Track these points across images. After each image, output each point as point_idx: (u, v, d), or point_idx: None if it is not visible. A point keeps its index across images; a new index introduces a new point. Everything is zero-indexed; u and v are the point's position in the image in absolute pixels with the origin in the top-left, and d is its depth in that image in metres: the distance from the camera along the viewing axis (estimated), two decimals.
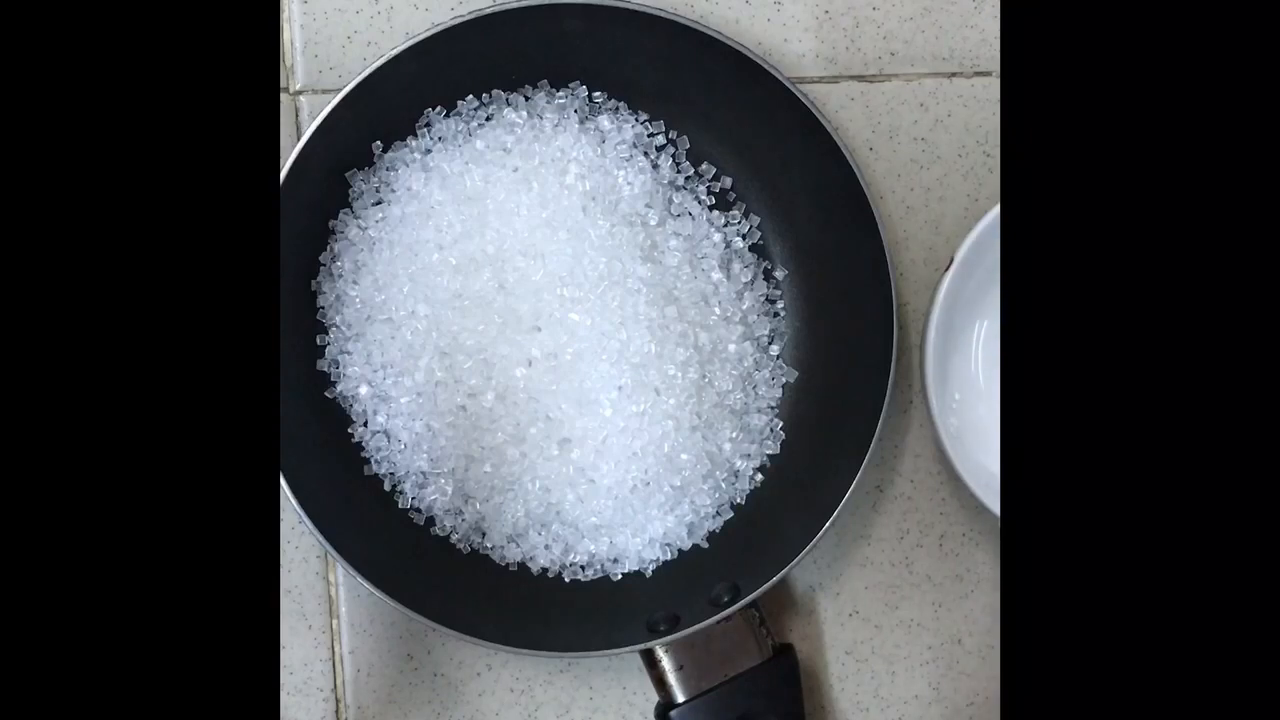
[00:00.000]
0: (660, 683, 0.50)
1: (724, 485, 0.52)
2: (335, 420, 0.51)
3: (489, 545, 0.51)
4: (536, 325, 0.49)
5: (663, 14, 0.49)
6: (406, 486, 0.51)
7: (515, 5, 0.49)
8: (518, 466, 0.50)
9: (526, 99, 0.51)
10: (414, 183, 0.50)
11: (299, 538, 0.53)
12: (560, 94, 0.51)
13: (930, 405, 0.50)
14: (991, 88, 0.53)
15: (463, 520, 0.51)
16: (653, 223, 0.51)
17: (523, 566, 0.51)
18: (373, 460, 0.51)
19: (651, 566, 0.51)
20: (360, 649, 0.53)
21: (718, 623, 0.48)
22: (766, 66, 0.49)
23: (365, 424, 0.51)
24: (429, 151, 0.51)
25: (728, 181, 0.53)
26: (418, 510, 0.51)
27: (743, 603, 0.48)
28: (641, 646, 0.49)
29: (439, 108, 0.51)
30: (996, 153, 0.53)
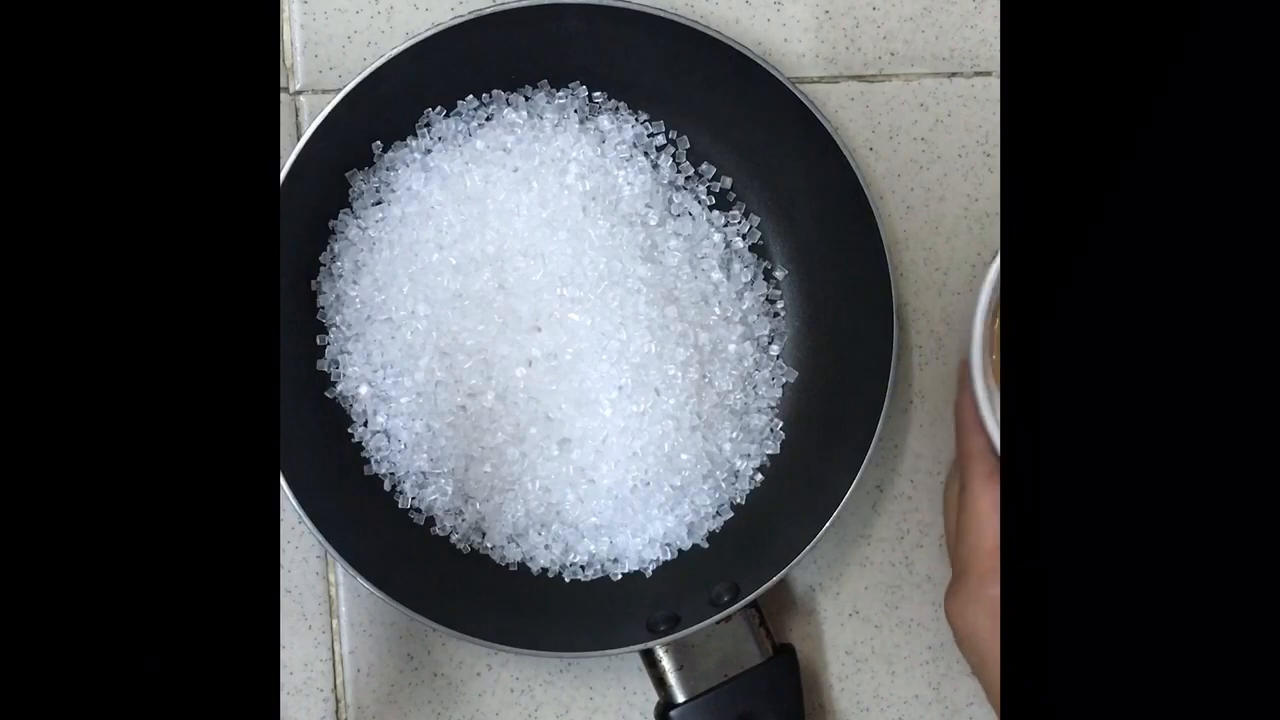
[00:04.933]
0: (660, 683, 0.50)
1: (724, 485, 0.52)
2: (335, 420, 0.51)
3: (489, 545, 0.51)
4: (536, 325, 0.49)
5: (663, 14, 0.49)
6: (406, 486, 0.51)
7: (515, 5, 0.49)
8: (518, 466, 0.50)
9: (526, 99, 0.51)
10: (414, 183, 0.50)
11: (299, 538, 0.53)
12: (560, 94, 0.51)
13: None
14: (991, 88, 0.53)
15: (463, 520, 0.51)
16: (653, 223, 0.51)
17: (523, 566, 0.51)
18: (373, 460, 0.51)
19: (651, 566, 0.51)
20: (360, 649, 0.53)
21: (718, 623, 0.48)
22: (766, 66, 0.49)
23: (365, 424, 0.51)
24: (429, 151, 0.51)
25: (728, 181, 0.53)
26: (418, 510, 0.51)
27: (743, 603, 0.48)
28: (641, 646, 0.49)
29: (439, 108, 0.51)
30: (996, 153, 0.53)
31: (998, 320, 0.46)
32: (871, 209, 0.49)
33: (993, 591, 0.43)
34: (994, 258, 0.46)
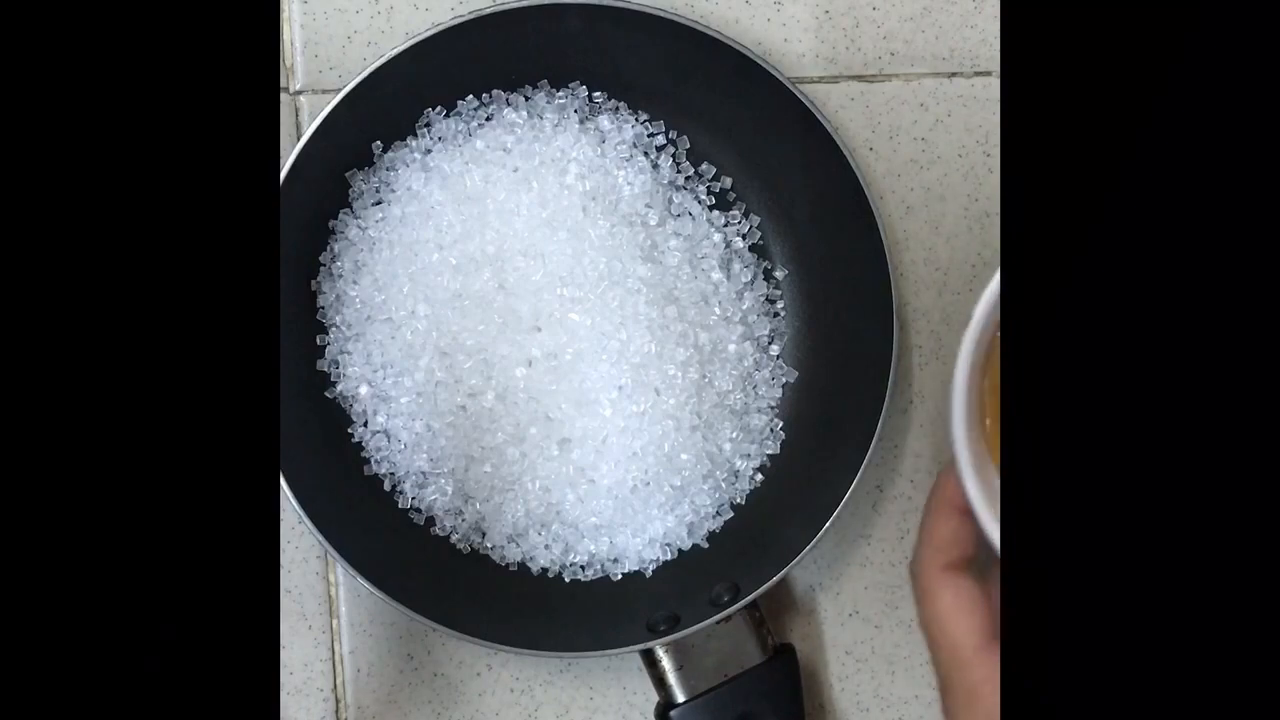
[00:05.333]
0: (660, 683, 0.50)
1: (724, 485, 0.52)
2: (335, 420, 0.51)
3: (489, 545, 0.51)
4: (536, 325, 0.49)
5: (663, 14, 0.49)
6: (406, 486, 0.51)
7: (515, 5, 0.49)
8: (518, 466, 0.50)
9: (526, 99, 0.51)
10: (414, 183, 0.50)
11: (299, 538, 0.53)
12: (560, 94, 0.51)
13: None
14: (991, 88, 0.53)
15: (463, 520, 0.51)
16: (653, 223, 0.51)
17: (523, 566, 0.51)
18: (373, 460, 0.51)
19: (651, 566, 0.51)
20: (360, 649, 0.53)
21: (718, 623, 0.48)
22: (766, 66, 0.49)
23: (365, 424, 0.51)
24: (429, 151, 0.51)
25: (728, 181, 0.53)
26: (418, 510, 0.51)
27: (743, 603, 0.48)
28: (641, 646, 0.49)
29: (439, 108, 0.51)
30: (996, 153, 0.53)
31: (990, 378, 0.39)
32: (871, 209, 0.49)
33: (989, 704, 0.37)
34: (973, 319, 0.37)
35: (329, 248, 0.51)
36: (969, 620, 0.38)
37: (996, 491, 0.37)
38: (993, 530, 0.37)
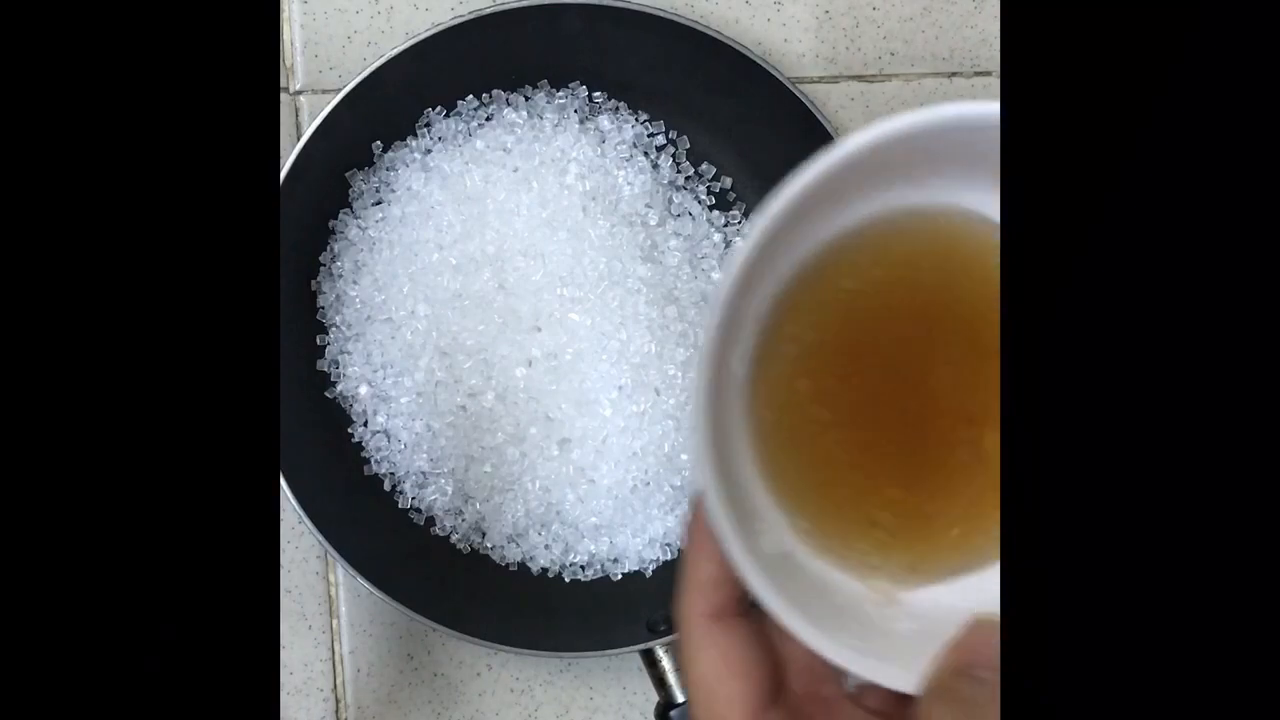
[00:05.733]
0: (660, 683, 0.50)
1: None
2: (335, 420, 0.51)
3: (489, 545, 0.51)
4: (536, 325, 0.49)
5: (663, 14, 0.49)
6: (406, 486, 0.51)
7: (515, 5, 0.49)
8: (518, 466, 0.50)
9: (526, 99, 0.51)
10: (414, 183, 0.50)
11: (299, 538, 0.53)
12: (560, 94, 0.51)
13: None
14: (991, 88, 0.53)
15: (463, 520, 0.51)
16: (653, 223, 0.51)
17: (523, 566, 0.51)
18: (373, 460, 0.51)
19: (651, 566, 0.51)
20: (360, 649, 0.53)
21: None
22: (766, 66, 0.49)
23: (365, 424, 0.51)
24: (429, 151, 0.51)
25: (728, 181, 0.53)
26: (418, 510, 0.51)
27: None
28: (641, 646, 0.49)
29: (439, 108, 0.51)
30: None
31: (770, 367, 0.29)
32: None
33: None
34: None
35: (329, 248, 0.51)
36: (737, 686, 0.30)
37: (755, 511, 0.28)
38: (746, 568, 0.27)
